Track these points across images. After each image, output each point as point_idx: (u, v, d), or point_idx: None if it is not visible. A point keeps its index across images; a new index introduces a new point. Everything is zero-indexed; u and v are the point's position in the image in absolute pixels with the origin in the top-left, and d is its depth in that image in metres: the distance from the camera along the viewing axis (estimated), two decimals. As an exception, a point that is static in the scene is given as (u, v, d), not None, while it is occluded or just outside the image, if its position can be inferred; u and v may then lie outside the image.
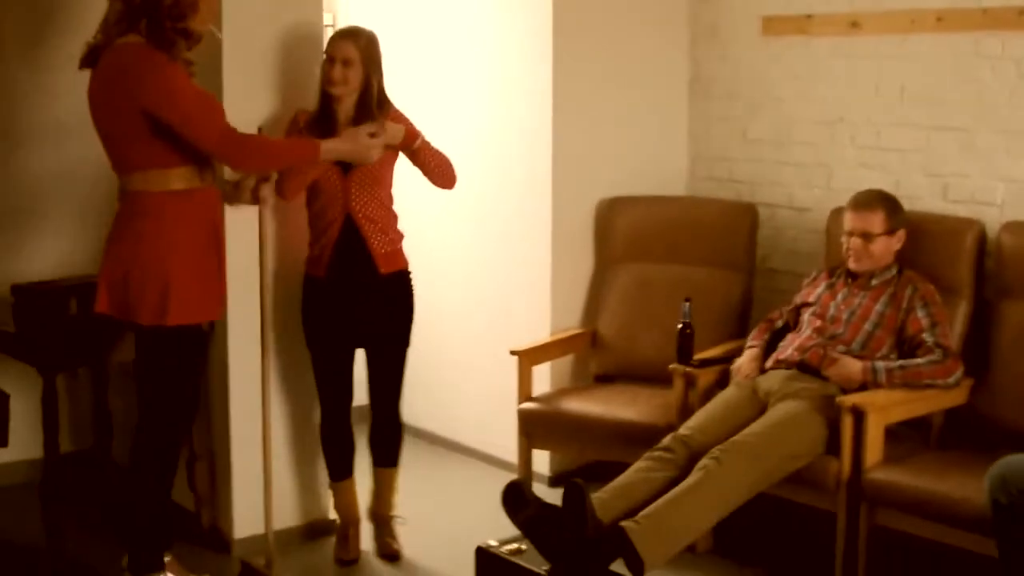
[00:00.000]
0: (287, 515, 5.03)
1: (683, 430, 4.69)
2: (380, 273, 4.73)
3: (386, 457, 5.01)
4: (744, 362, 5.03)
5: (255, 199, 4.57)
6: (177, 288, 4.16)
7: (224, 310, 4.56)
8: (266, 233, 4.57)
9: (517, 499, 4.26)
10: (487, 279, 5.97)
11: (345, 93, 4.66)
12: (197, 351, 4.44)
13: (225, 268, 4.41)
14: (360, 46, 4.66)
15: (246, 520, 4.90)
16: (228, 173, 4.54)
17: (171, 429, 4.41)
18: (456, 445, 6.19)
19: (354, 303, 4.73)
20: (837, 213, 5.22)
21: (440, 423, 6.27)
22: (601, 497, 4.40)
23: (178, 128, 4.09)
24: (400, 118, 4.77)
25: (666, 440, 4.64)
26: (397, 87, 5.01)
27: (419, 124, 4.83)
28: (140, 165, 4.16)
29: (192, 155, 4.19)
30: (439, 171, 4.82)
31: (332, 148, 4.50)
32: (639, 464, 4.56)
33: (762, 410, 4.73)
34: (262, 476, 4.70)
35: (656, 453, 4.58)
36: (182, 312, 4.19)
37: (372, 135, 4.56)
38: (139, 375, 4.41)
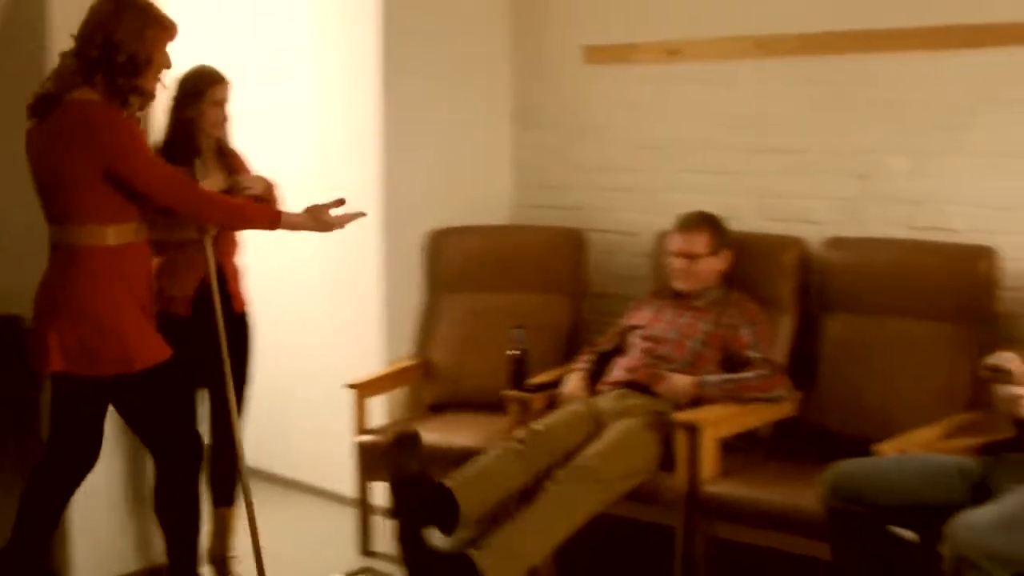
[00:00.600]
0: (126, 561, 4.91)
1: (535, 425, 4.73)
2: (235, 312, 4.72)
3: (223, 496, 4.94)
4: (570, 387, 5.06)
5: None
6: (133, 334, 4.11)
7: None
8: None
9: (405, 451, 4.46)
10: (319, 313, 5.93)
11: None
12: (170, 388, 4.34)
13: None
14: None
15: (85, 567, 4.79)
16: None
17: (180, 473, 4.38)
18: (294, 482, 6.11)
19: (208, 342, 4.61)
20: (663, 236, 5.31)
21: (277, 460, 6.18)
22: (459, 482, 4.50)
23: (141, 185, 4.04)
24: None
25: (519, 433, 4.71)
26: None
27: (250, 154, 4.88)
28: (87, 218, 4.06)
29: (135, 212, 4.13)
30: None
31: (292, 222, 4.44)
32: (496, 453, 4.64)
33: (599, 428, 4.77)
34: (102, 521, 4.63)
35: (511, 445, 4.65)
36: (146, 355, 4.14)
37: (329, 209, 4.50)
38: (136, 429, 4.38)
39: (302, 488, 6.08)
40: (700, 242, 5.02)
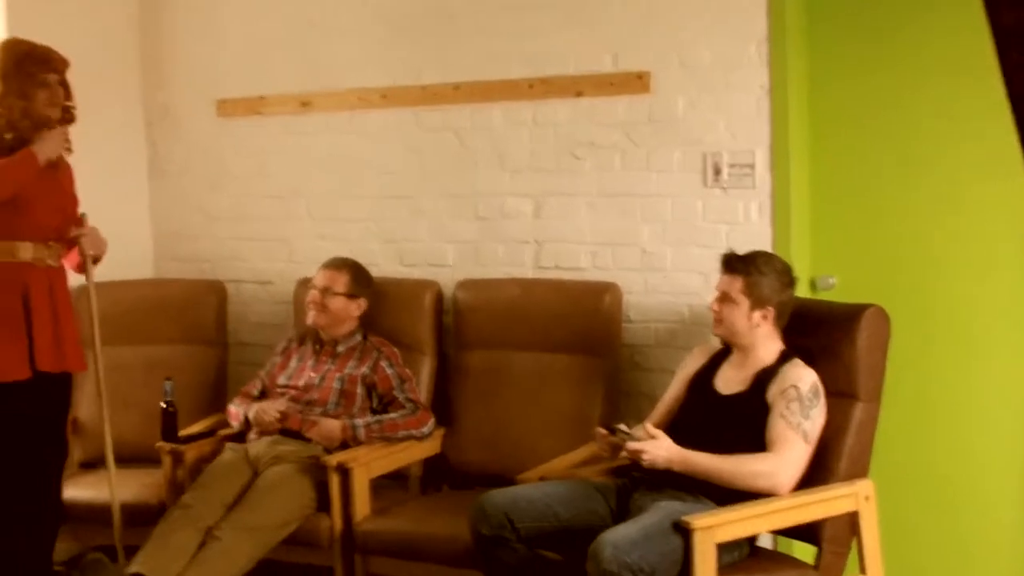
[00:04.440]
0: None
1: (192, 491, 4.83)
2: None
3: None
4: (272, 414, 5.08)
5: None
6: None
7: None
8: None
9: None
10: None
11: None
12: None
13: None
14: None
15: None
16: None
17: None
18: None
19: None
20: (302, 284, 5.48)
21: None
22: (147, 564, 4.59)
23: None
24: None
25: (184, 499, 4.80)
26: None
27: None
28: None
29: None
30: None
31: (41, 149, 4.44)
32: (169, 524, 4.72)
33: (255, 474, 4.89)
34: None
35: (180, 512, 4.74)
36: None
37: None
38: None
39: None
40: (340, 281, 5.20)
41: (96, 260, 4.78)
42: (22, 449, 4.51)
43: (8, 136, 4.47)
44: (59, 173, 4.65)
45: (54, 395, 4.64)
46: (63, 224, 4.63)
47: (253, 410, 5.12)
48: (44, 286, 4.55)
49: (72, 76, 5.66)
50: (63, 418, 4.72)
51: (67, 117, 4.64)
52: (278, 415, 5.03)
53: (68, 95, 4.63)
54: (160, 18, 6.15)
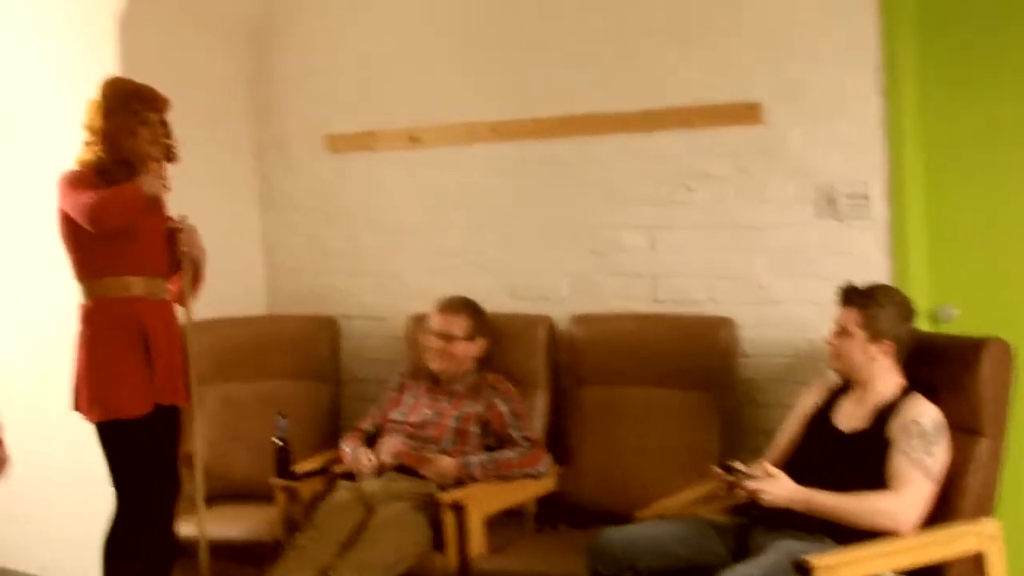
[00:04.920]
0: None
1: (307, 532, 4.83)
2: None
3: None
4: (363, 456, 5.12)
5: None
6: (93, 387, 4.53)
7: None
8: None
9: None
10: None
11: None
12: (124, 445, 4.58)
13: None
14: None
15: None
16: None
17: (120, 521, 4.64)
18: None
19: None
20: (414, 319, 5.48)
21: (34, 558, 6.06)
22: None
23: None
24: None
25: (299, 539, 4.81)
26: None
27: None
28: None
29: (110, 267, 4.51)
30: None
31: (145, 185, 4.55)
32: (288, 565, 4.73)
33: (369, 511, 4.88)
34: None
35: (297, 553, 4.75)
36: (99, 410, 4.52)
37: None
38: None
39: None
40: (458, 325, 5.19)
41: (197, 270, 4.83)
42: (140, 483, 4.63)
43: (114, 171, 4.58)
44: (160, 210, 4.72)
45: (168, 428, 4.73)
46: (167, 259, 4.72)
47: (352, 456, 5.16)
48: (159, 320, 4.64)
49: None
50: (175, 451, 4.79)
51: (169, 156, 4.72)
52: (370, 462, 5.06)
53: (168, 134, 4.70)
54: (271, 55, 6.20)
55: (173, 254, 4.74)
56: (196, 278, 4.87)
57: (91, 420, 4.63)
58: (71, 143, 5.46)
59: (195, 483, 4.82)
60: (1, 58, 5.96)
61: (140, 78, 5.23)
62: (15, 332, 6.02)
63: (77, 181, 4.56)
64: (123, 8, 5.56)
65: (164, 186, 4.67)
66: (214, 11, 6.03)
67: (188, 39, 5.93)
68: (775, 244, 5.01)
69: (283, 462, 5.19)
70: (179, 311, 4.81)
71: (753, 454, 4.54)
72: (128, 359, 4.58)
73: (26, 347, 5.98)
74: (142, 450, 4.63)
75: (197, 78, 5.97)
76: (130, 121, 4.63)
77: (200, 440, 4.81)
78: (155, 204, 4.65)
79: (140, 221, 4.57)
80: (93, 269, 4.62)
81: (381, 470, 5.06)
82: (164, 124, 4.70)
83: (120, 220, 4.50)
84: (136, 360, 4.58)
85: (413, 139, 5.81)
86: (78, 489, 5.68)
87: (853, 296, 4.24)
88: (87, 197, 4.47)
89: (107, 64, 5.48)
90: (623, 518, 4.44)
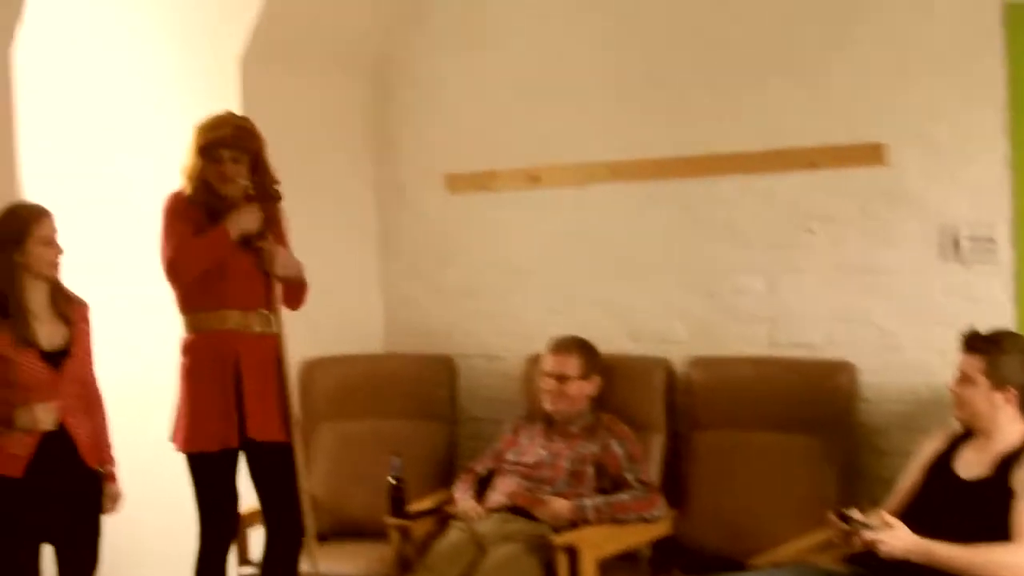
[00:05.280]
0: None
1: (420, 573, 4.84)
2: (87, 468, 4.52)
3: None
4: (469, 506, 5.12)
5: None
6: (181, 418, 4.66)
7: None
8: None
9: None
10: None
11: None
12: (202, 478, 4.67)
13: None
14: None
15: None
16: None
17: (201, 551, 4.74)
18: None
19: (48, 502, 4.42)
20: (532, 360, 5.46)
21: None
22: None
23: None
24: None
25: None
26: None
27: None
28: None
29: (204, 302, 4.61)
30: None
31: (235, 223, 4.58)
32: None
33: (482, 552, 4.86)
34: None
35: None
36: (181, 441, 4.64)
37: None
38: None
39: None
40: (572, 365, 5.16)
41: (291, 284, 4.82)
42: (210, 514, 4.74)
43: (212, 206, 4.63)
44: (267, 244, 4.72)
45: (268, 464, 4.75)
46: (266, 292, 4.72)
47: (461, 508, 5.13)
48: (253, 353, 4.66)
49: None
50: (280, 486, 4.76)
51: (262, 195, 4.71)
52: (476, 515, 5.03)
53: (241, 172, 4.67)
54: (391, 95, 6.24)
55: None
56: (295, 295, 4.87)
57: (177, 450, 4.69)
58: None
59: (305, 516, 4.78)
60: (126, 99, 6.06)
61: (260, 118, 5.29)
62: (133, 363, 6.07)
63: (172, 217, 4.63)
64: (245, 48, 5.63)
65: (263, 225, 4.68)
66: (334, 52, 6.08)
67: (309, 79, 5.98)
68: (897, 288, 4.94)
69: (397, 501, 5.19)
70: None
71: (872, 502, 4.45)
72: (214, 393, 4.61)
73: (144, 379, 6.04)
74: (218, 483, 4.70)
75: (318, 118, 6.04)
76: (203, 159, 4.64)
77: (304, 475, 4.77)
78: (253, 238, 4.67)
79: (230, 257, 4.60)
80: (190, 303, 4.67)
81: (495, 511, 5.04)
82: (236, 161, 4.66)
83: (196, 272, 4.58)
84: (222, 394, 4.61)
85: (532, 179, 5.81)
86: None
87: (977, 342, 4.14)
88: (171, 247, 4.57)
89: (230, 104, 5.55)
90: (738, 564, 4.41)
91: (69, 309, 4.46)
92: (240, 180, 4.65)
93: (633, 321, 5.57)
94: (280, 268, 4.70)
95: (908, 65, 4.87)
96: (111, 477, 4.62)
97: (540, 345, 5.37)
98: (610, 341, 5.51)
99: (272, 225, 4.75)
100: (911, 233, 4.90)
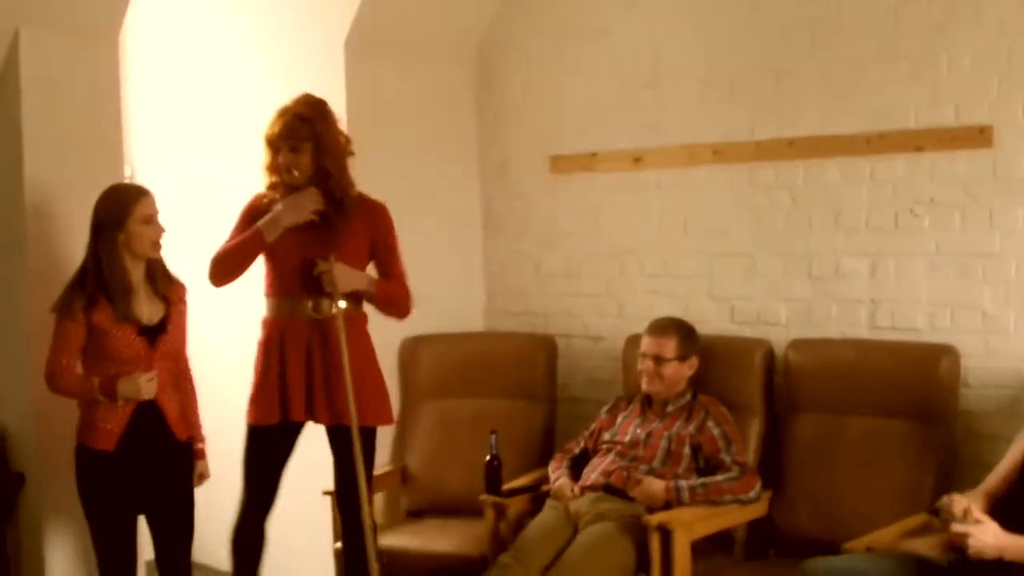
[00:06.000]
0: None
1: (511, 552, 4.84)
2: (178, 440, 4.62)
3: None
4: (564, 484, 5.13)
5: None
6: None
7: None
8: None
9: None
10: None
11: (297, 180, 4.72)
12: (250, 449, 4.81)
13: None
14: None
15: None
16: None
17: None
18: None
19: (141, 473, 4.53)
20: (632, 340, 5.45)
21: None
22: None
23: None
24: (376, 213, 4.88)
25: (502, 559, 4.82)
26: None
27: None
28: None
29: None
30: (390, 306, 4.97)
31: (270, 221, 4.66)
32: None
33: (575, 531, 4.87)
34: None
35: (498, 571, 4.78)
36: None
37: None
38: None
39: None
40: (669, 347, 5.15)
41: (376, 301, 4.88)
42: (247, 486, 4.87)
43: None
44: (334, 232, 4.74)
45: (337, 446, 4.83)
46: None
47: (556, 486, 5.16)
48: (302, 339, 4.73)
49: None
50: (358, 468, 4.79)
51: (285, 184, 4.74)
52: (573, 495, 5.05)
53: (280, 163, 4.71)
54: (497, 77, 6.28)
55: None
56: (387, 307, 4.95)
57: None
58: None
59: (362, 500, 4.77)
60: (234, 85, 6.16)
61: (366, 102, 5.40)
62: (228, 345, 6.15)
63: (238, 218, 4.84)
64: (351, 33, 5.68)
65: (315, 213, 4.70)
66: (439, 38, 6.13)
67: (414, 65, 6.03)
68: (1002, 272, 4.86)
69: (493, 479, 5.22)
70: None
71: (972, 488, 4.37)
72: (262, 372, 4.76)
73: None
74: (256, 457, 4.83)
75: (423, 102, 6.09)
76: (270, 150, 4.75)
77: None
78: (318, 226, 4.71)
79: (286, 246, 4.69)
80: (266, 286, 4.81)
81: (589, 490, 5.04)
82: (295, 151, 4.69)
83: (229, 276, 4.75)
84: (268, 374, 4.74)
85: (636, 160, 5.80)
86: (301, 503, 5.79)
87: None
88: (221, 248, 4.75)
89: (336, 89, 5.61)
90: (833, 549, 4.35)
91: (168, 288, 4.58)
92: (296, 170, 4.69)
93: (734, 303, 5.55)
94: (342, 286, 4.71)
95: (1014, 47, 4.77)
96: (200, 454, 4.72)
97: (640, 326, 5.37)
98: (711, 323, 5.51)
99: (341, 219, 4.76)
100: (1018, 217, 4.81)
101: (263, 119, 4.88)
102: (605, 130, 5.91)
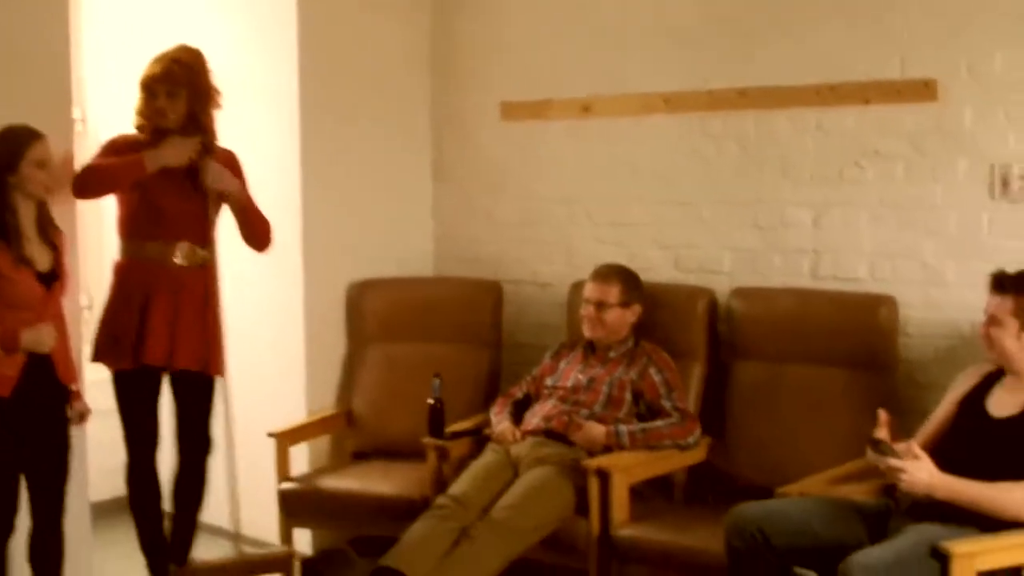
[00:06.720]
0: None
1: (450, 494, 4.87)
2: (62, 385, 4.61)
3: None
4: (506, 428, 5.17)
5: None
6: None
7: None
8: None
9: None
10: (241, 362, 5.94)
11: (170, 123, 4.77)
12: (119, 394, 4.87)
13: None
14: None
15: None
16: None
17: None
18: (217, 529, 6.13)
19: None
20: (577, 287, 5.47)
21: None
22: (398, 559, 4.65)
23: None
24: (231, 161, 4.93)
25: (439, 500, 4.86)
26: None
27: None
28: None
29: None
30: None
31: (153, 154, 4.66)
32: (422, 523, 4.78)
33: (515, 474, 4.92)
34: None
35: (435, 512, 4.80)
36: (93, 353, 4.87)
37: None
38: None
39: (225, 535, 6.10)
40: (612, 292, 5.17)
41: (229, 199, 4.89)
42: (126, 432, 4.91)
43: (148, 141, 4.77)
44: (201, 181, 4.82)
45: (181, 391, 4.96)
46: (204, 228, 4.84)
47: (498, 430, 5.19)
48: (168, 285, 4.78)
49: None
50: (192, 412, 4.98)
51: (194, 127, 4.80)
52: (514, 438, 5.09)
53: (198, 109, 4.80)
54: (450, 25, 6.26)
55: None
56: (252, 231, 4.97)
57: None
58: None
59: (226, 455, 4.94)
60: (189, 26, 6.11)
61: (318, 46, 5.40)
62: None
63: (99, 150, 4.86)
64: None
65: (193, 158, 4.76)
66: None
67: (369, 6, 6.02)
68: (944, 225, 4.90)
69: (436, 422, 5.25)
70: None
71: (909, 435, 4.42)
72: (120, 316, 4.81)
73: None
74: (123, 403, 4.89)
75: (375, 46, 6.07)
76: (144, 94, 4.80)
77: (231, 410, 4.93)
78: (177, 172, 4.76)
79: (162, 188, 4.74)
80: (121, 229, 4.85)
81: (531, 434, 5.07)
82: (171, 96, 4.75)
83: (99, 190, 4.79)
84: (127, 319, 4.79)
85: (586, 109, 5.80)
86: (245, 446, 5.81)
87: (1005, 283, 4.08)
88: (84, 166, 4.74)
89: (288, 32, 5.61)
90: (771, 494, 4.40)
91: (55, 234, 4.53)
92: (171, 114, 4.74)
93: (681, 252, 5.57)
94: (212, 180, 4.78)
95: (960, 1, 4.79)
96: (78, 395, 4.71)
97: (587, 273, 5.39)
98: (656, 271, 5.54)
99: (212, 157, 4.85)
100: (960, 170, 4.85)
101: (218, 60, 4.88)
102: (557, 77, 5.90)
